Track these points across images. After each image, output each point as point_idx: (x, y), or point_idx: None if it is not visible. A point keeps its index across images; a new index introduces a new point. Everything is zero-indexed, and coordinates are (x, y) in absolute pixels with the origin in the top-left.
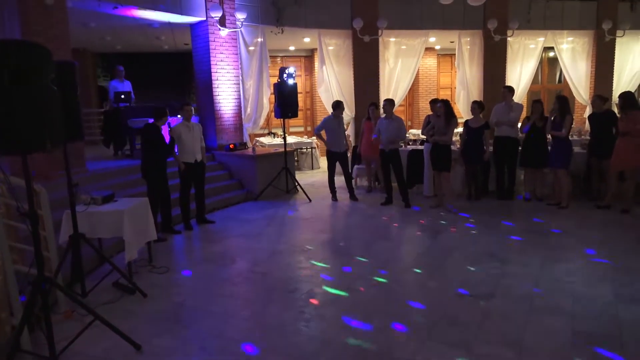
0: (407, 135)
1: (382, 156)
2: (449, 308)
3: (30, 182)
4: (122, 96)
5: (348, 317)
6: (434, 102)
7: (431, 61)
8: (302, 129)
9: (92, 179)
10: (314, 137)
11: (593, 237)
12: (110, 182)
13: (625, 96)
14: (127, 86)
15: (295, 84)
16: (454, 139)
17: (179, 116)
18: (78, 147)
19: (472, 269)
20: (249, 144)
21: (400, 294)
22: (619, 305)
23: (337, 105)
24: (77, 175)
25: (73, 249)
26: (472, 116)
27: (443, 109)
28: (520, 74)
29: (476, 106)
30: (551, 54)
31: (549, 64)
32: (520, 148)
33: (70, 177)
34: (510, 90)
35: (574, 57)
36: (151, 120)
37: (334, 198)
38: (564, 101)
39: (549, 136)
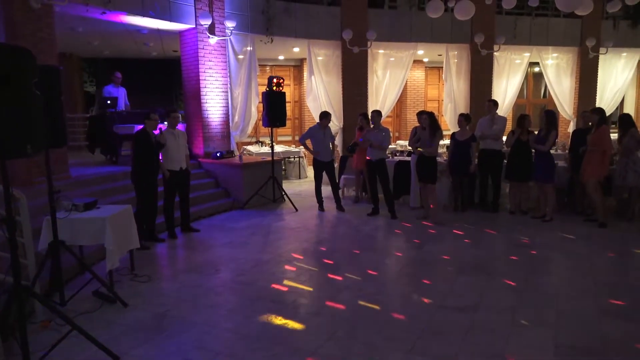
0: (394, 146)
1: (369, 166)
2: (433, 320)
3: (8, 188)
4: (109, 102)
5: (332, 328)
6: (420, 114)
7: (419, 73)
8: (290, 138)
9: (75, 185)
10: (302, 147)
11: (577, 250)
12: (94, 188)
13: (601, 112)
14: (120, 92)
15: (284, 93)
16: (440, 150)
17: (165, 123)
18: (61, 153)
19: (456, 281)
20: (236, 152)
21: (385, 305)
22: (602, 319)
23: (325, 116)
24: (60, 181)
25: (52, 257)
26: (459, 129)
27: (428, 121)
28: (506, 88)
29: (463, 119)
30: (536, 69)
31: (534, 78)
32: (505, 161)
33: (52, 184)
34: (495, 103)
35: (558, 72)
36: (141, 127)
37: (321, 208)
38: (552, 116)
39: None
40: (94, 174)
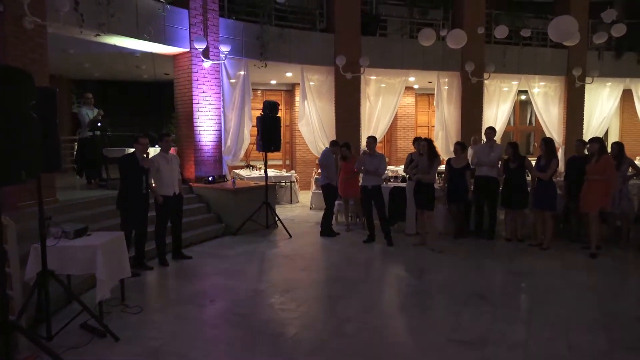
0: (386, 171)
1: (364, 193)
2: (444, 355)
3: (0, 216)
4: (99, 124)
5: None
6: (417, 141)
7: (409, 100)
8: (281, 163)
9: (63, 210)
10: (293, 171)
11: (578, 279)
12: (82, 213)
13: (601, 140)
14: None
15: (279, 118)
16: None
17: (156, 147)
18: (49, 176)
19: (461, 312)
20: (229, 177)
21: (392, 338)
22: (614, 354)
23: (336, 144)
24: (47, 205)
25: (40, 288)
26: (455, 156)
27: (426, 148)
28: (496, 115)
29: (459, 147)
30: (523, 97)
31: (521, 106)
32: (500, 189)
33: (43, 211)
34: (493, 130)
35: (546, 100)
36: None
37: (333, 234)
38: (551, 144)
39: (529, 177)
40: (81, 198)
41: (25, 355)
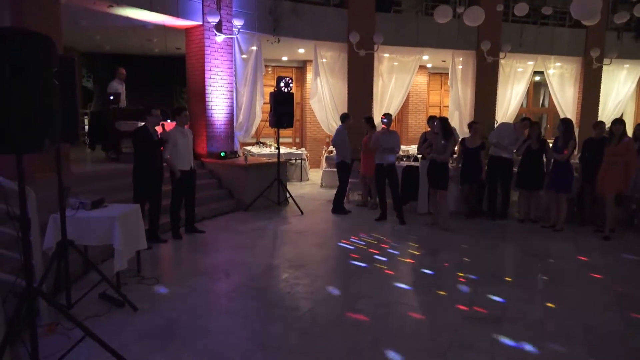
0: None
1: (379, 170)
2: (460, 332)
3: (23, 184)
4: (112, 97)
5: (355, 339)
6: (431, 119)
7: (422, 79)
8: (291, 140)
9: (76, 182)
10: (304, 149)
11: (593, 262)
12: (95, 186)
13: (623, 122)
14: (123, 88)
15: (292, 94)
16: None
17: (168, 121)
18: (64, 148)
19: (476, 291)
20: (240, 153)
21: (407, 315)
22: (629, 334)
23: (347, 117)
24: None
25: (60, 257)
26: (470, 135)
27: (440, 127)
28: (510, 96)
29: (476, 126)
30: (537, 79)
31: (534, 88)
32: (515, 169)
33: (62, 181)
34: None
35: (562, 81)
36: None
37: (345, 211)
38: (569, 125)
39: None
40: (94, 171)
41: (47, 322)
